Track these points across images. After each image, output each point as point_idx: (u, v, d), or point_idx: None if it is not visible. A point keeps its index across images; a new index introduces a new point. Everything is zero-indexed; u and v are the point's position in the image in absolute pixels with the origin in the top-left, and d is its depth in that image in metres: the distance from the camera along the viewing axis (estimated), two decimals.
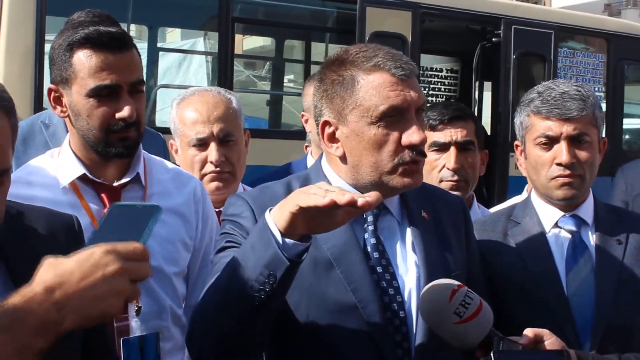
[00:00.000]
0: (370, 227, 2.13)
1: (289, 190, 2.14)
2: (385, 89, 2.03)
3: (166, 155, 3.42)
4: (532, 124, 2.58)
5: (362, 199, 1.70)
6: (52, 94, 2.48)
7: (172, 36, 12.70)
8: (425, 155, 2.09)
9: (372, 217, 2.14)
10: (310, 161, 3.87)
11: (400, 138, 2.03)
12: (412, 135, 2.03)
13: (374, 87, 2.04)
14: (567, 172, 2.51)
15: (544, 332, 2.02)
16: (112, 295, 1.42)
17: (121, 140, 2.42)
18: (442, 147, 3.28)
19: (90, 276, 1.40)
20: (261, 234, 1.80)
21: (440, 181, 3.25)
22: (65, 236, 1.90)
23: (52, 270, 1.41)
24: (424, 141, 2.04)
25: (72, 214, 2.17)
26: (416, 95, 2.04)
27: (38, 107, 6.64)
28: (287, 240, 1.77)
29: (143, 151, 2.61)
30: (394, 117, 2.03)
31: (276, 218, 1.78)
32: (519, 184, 3.98)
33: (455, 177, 3.25)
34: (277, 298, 1.83)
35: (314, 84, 2.23)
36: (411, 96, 2.03)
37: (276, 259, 1.76)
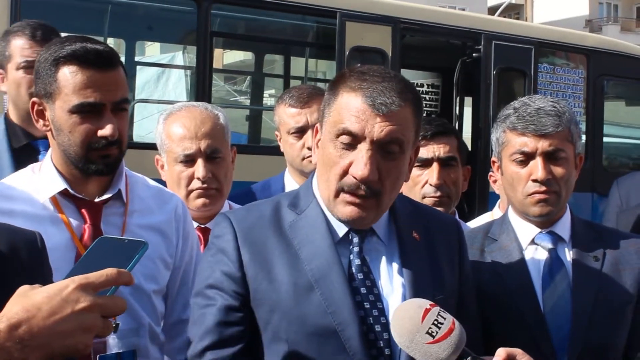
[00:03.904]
0: (356, 249, 2.11)
1: (277, 209, 2.17)
2: (350, 111, 2.01)
3: None
4: (508, 140, 2.59)
5: None
6: (35, 107, 2.45)
7: (151, 50, 12.66)
8: (375, 194, 2.03)
9: (357, 239, 2.12)
10: (288, 177, 3.85)
11: (349, 166, 2.01)
12: (356, 167, 1.99)
13: (344, 106, 2.03)
14: (543, 188, 2.51)
15: (517, 351, 1.98)
16: (80, 331, 1.40)
17: (102, 158, 2.41)
18: (425, 163, 3.30)
19: (59, 312, 1.38)
20: None
21: (423, 197, 3.27)
22: (27, 253, 1.86)
23: (20, 304, 1.39)
24: (364, 178, 1.99)
25: (52, 229, 2.20)
26: (381, 131, 1.98)
27: None
28: None
29: (125, 168, 2.59)
30: (349, 142, 2.01)
31: None
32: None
33: (438, 193, 3.27)
34: None
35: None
36: (373, 130, 1.99)
37: None
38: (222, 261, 2.08)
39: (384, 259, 2.14)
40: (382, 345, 2.02)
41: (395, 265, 2.13)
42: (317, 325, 2.00)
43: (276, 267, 2.06)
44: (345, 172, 2.01)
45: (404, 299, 2.06)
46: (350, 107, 2.01)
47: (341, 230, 2.12)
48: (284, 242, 2.07)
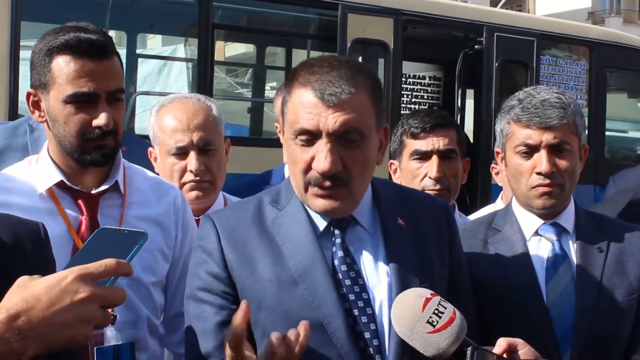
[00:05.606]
0: (338, 240, 2.10)
1: (259, 206, 2.18)
2: (304, 108, 2.00)
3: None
4: (513, 132, 2.57)
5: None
6: (31, 98, 2.45)
7: (153, 42, 12.65)
8: (342, 183, 2.03)
9: (338, 231, 2.11)
10: (287, 169, 3.83)
11: (312, 160, 2.01)
12: (317, 162, 2.00)
13: (297, 103, 2.03)
14: (547, 181, 2.49)
15: (518, 341, 1.99)
16: (79, 322, 1.40)
17: (97, 148, 2.39)
18: (424, 156, 3.28)
19: (58, 303, 1.38)
20: None
21: (422, 190, 3.22)
22: (30, 244, 1.84)
23: (19, 295, 1.39)
24: (326, 172, 1.99)
25: (49, 221, 2.15)
26: (335, 122, 1.97)
27: (13, 112, 6.56)
28: None
29: (123, 159, 2.58)
30: (307, 138, 2.01)
31: None
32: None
33: (438, 186, 3.24)
34: None
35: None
36: (327, 123, 1.98)
37: None
38: (208, 263, 2.11)
39: (369, 248, 2.13)
40: (369, 336, 2.02)
41: (380, 255, 2.12)
42: (302, 320, 1.97)
43: (260, 264, 2.07)
44: (308, 167, 2.02)
45: (390, 288, 2.06)
46: (303, 104, 2.00)
47: (322, 223, 2.12)
48: (267, 239, 2.09)
